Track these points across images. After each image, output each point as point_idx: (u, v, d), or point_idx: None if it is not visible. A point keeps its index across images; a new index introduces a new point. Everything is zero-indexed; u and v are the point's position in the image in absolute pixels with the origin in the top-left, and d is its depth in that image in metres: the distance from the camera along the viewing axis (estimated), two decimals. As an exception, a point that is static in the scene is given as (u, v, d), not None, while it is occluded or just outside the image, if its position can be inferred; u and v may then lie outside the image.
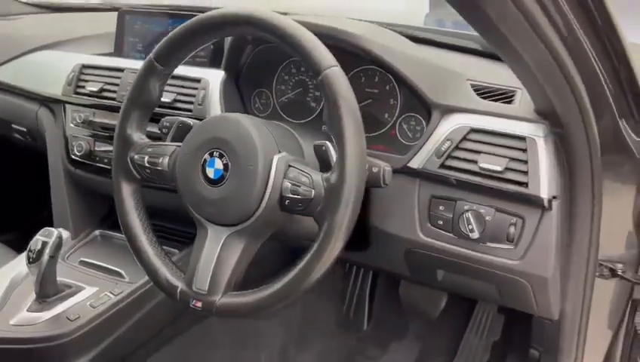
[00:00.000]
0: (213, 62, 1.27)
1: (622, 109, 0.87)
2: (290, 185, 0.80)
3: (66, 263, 1.30)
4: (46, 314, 1.11)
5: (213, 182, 0.84)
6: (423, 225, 0.97)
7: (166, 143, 0.93)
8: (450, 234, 0.95)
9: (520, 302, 0.98)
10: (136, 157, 0.92)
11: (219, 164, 0.83)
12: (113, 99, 1.30)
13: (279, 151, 0.84)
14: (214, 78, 1.20)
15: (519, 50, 0.66)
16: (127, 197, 0.94)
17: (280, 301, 0.79)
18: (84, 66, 1.36)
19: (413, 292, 1.56)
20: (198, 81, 1.21)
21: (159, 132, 1.00)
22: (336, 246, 0.76)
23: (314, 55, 0.78)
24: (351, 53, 1.03)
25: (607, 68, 0.78)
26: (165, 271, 0.89)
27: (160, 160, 0.91)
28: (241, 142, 0.82)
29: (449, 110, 0.96)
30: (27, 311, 1.11)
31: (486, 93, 0.97)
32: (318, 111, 1.15)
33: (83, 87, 1.35)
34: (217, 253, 0.84)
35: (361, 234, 1.07)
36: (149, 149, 0.92)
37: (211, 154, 0.84)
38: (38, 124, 1.47)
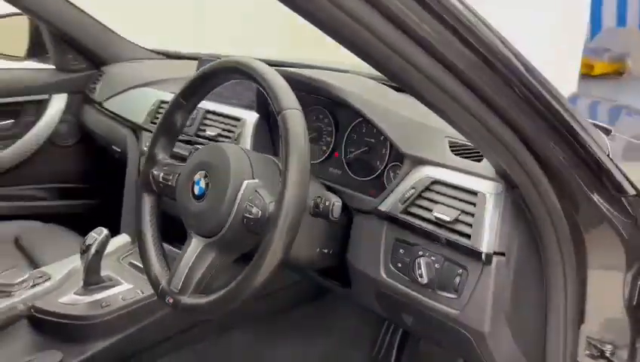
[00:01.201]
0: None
1: (592, 186, 0.86)
2: (248, 206, 0.93)
3: (119, 263, 1.53)
4: (86, 298, 1.32)
5: (197, 198, 0.99)
6: (386, 266, 1.03)
7: (178, 163, 1.11)
8: (407, 278, 0.99)
9: (472, 356, 0.98)
10: (155, 173, 1.11)
11: (203, 183, 0.99)
12: None
13: (252, 178, 0.97)
14: (251, 118, 1.38)
15: (428, 100, 0.72)
16: (146, 205, 1.13)
17: (224, 305, 0.91)
18: (162, 102, 1.64)
19: (431, 348, 1.56)
20: (238, 120, 1.40)
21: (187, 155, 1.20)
22: (272, 261, 0.85)
23: (279, 96, 0.90)
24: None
25: (582, 172, 0.80)
26: (157, 270, 1.06)
27: (171, 176, 1.09)
28: (220, 166, 0.98)
29: (420, 161, 1.03)
30: (74, 293, 1.34)
31: (460, 150, 1.02)
32: (328, 153, 1.27)
33: (158, 118, 1.61)
34: (193, 259, 0.98)
35: (344, 271, 1.15)
36: (166, 168, 1.11)
37: (199, 175, 1.00)
38: (126, 146, 1.77)
